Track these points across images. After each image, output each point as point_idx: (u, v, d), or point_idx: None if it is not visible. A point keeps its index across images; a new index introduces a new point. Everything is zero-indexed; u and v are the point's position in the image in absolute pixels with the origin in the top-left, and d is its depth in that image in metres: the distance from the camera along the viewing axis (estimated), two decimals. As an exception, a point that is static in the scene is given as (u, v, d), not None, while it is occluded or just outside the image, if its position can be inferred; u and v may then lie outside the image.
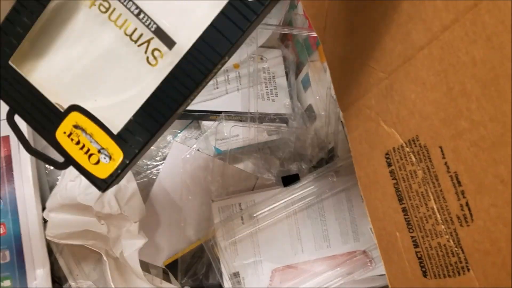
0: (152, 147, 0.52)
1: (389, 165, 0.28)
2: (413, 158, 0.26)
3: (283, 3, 0.56)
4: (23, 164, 0.43)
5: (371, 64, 0.29)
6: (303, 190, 0.44)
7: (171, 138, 0.53)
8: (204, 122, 0.52)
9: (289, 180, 0.44)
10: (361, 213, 0.44)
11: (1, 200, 0.43)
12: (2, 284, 0.42)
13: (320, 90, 0.50)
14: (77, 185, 0.41)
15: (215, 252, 0.43)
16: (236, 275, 0.43)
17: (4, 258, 0.42)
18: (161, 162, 0.51)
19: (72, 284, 0.46)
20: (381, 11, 0.27)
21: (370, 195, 0.30)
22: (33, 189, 0.43)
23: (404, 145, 0.26)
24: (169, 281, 0.46)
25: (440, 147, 0.24)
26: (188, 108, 0.50)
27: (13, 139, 0.44)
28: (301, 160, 0.50)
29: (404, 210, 0.28)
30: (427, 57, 0.24)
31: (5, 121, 0.43)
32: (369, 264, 0.43)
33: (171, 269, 0.45)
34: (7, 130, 0.44)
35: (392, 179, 0.28)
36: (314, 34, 0.51)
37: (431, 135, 0.24)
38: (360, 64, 0.30)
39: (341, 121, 0.46)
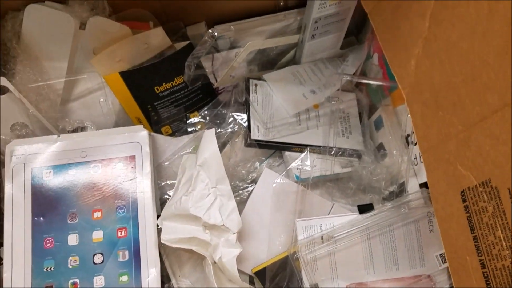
0: (242, 171, 0.61)
1: (464, 201, 0.35)
2: (485, 197, 0.33)
3: (361, 54, 0.64)
4: (145, 180, 0.53)
5: (451, 117, 0.36)
6: (377, 218, 0.50)
7: (258, 165, 0.62)
8: (286, 153, 0.61)
9: (364, 208, 0.51)
10: (428, 242, 0.50)
11: (125, 209, 0.52)
12: (120, 279, 0.51)
13: (392, 132, 0.57)
14: (190, 199, 0.50)
15: (298, 265, 0.51)
16: (315, 286, 0.50)
17: (124, 257, 0.51)
18: (250, 184, 0.59)
19: (174, 283, 0.55)
20: (462, 79, 0.34)
21: (445, 225, 0.37)
22: (151, 201, 0.52)
23: (478, 185, 0.33)
24: (254, 286, 0.53)
25: (509, 189, 0.30)
26: (274, 140, 0.59)
27: (138, 159, 0.54)
28: (372, 191, 0.57)
29: (474, 238, 0.34)
30: (500, 118, 0.31)
31: (133, 143, 0.53)
32: (433, 287, 0.48)
33: (258, 276, 0.52)
34: (134, 151, 0.54)
35: (466, 213, 0.35)
36: (387, 83, 0.59)
37: (501, 179, 0.31)
38: (441, 117, 0.37)
39: (412, 162, 0.53)
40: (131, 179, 0.53)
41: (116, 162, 0.54)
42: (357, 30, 0.68)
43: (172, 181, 0.58)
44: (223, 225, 0.49)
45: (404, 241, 0.51)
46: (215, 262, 0.50)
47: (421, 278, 0.49)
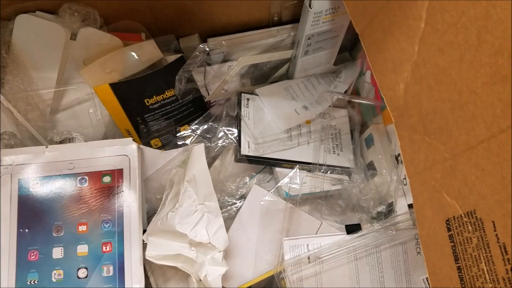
0: (232, 186, 0.60)
1: (449, 230, 0.34)
2: (470, 227, 0.32)
3: (354, 70, 0.64)
4: (131, 194, 0.52)
5: (438, 144, 0.35)
6: (364, 239, 0.50)
7: (248, 180, 0.61)
8: (277, 169, 0.60)
9: (352, 228, 0.51)
10: (415, 264, 0.50)
11: (110, 223, 0.52)
12: None
13: (382, 150, 0.57)
14: (176, 215, 0.49)
15: (284, 285, 0.50)
16: (300, 307, 0.49)
17: (108, 272, 0.51)
18: (239, 200, 0.59)
19: (158, 299, 0.54)
20: (449, 106, 0.34)
21: (430, 253, 0.36)
22: (137, 216, 0.52)
23: (463, 215, 0.33)
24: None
25: (493, 222, 0.30)
26: (264, 155, 0.59)
27: (126, 172, 0.53)
28: (361, 210, 0.56)
29: (458, 268, 0.34)
30: (486, 149, 0.31)
31: (122, 156, 0.53)
32: (419, 311, 0.48)
33: (243, 294, 0.52)
34: (122, 164, 0.53)
35: (451, 242, 0.34)
36: (378, 103, 0.59)
37: (486, 211, 0.31)
38: (428, 142, 0.37)
39: (401, 181, 0.53)
40: (117, 193, 0.53)
41: (103, 175, 0.53)
42: (351, 46, 0.68)
43: (159, 195, 0.57)
44: (209, 243, 0.49)
45: (391, 262, 0.50)
46: (200, 280, 0.50)
47: (407, 301, 0.49)
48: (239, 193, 0.60)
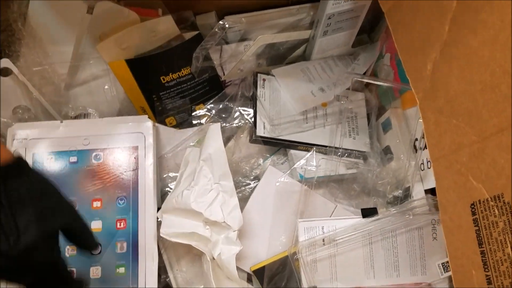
0: (246, 167, 0.60)
1: (473, 214, 0.34)
2: (496, 211, 0.32)
3: (373, 53, 0.63)
4: (147, 171, 0.52)
5: (466, 127, 0.35)
6: (380, 223, 0.49)
7: (262, 161, 0.61)
8: (291, 151, 0.60)
9: (368, 212, 0.50)
10: (431, 250, 0.49)
11: (125, 200, 0.52)
12: (117, 270, 0.50)
13: (400, 135, 0.56)
14: (192, 194, 0.49)
15: (298, 266, 0.50)
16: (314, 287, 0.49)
17: (122, 248, 0.51)
18: (253, 181, 0.58)
19: (171, 277, 0.54)
20: (480, 88, 0.33)
21: (452, 237, 0.36)
22: (152, 193, 0.51)
23: (489, 199, 0.32)
24: (252, 284, 0.53)
25: (523, 206, 0.29)
26: (280, 137, 0.58)
27: (141, 150, 0.53)
28: (376, 195, 0.56)
29: (482, 252, 0.33)
30: (519, 132, 0.30)
31: (137, 134, 0.52)
32: (433, 296, 0.48)
33: (256, 275, 0.52)
34: (137, 142, 0.53)
35: (475, 226, 0.34)
36: (398, 86, 0.58)
37: (515, 195, 0.30)
38: (455, 125, 0.36)
39: (419, 166, 0.52)
40: (133, 170, 0.52)
41: (118, 152, 0.53)
42: (370, 28, 0.67)
43: (174, 174, 0.57)
44: (224, 222, 0.49)
45: (407, 247, 0.50)
46: (213, 259, 0.50)
47: (421, 286, 0.49)
48: (253, 174, 0.60)
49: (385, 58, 0.61)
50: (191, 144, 0.58)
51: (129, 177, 0.52)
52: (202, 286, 0.54)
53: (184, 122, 0.63)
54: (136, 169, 0.52)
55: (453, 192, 0.36)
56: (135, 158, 0.53)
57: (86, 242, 0.41)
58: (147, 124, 0.53)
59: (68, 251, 0.50)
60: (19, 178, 0.35)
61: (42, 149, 0.52)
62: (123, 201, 0.51)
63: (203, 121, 0.61)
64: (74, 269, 0.50)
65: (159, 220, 0.51)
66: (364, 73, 0.62)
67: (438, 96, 0.37)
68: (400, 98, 0.58)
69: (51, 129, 0.53)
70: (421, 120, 0.51)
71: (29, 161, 0.52)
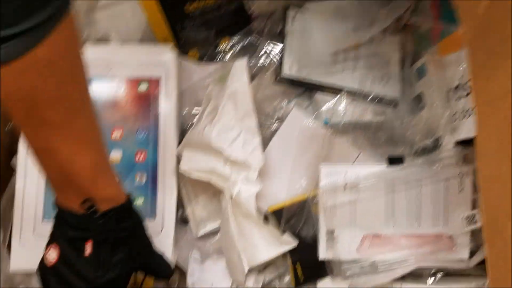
0: (268, 108, 0.58)
1: (516, 164, 0.32)
2: (542, 163, 0.30)
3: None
4: (169, 103, 0.51)
5: (517, 71, 0.32)
6: (406, 172, 0.48)
7: (285, 103, 0.58)
8: (317, 94, 0.57)
9: (394, 160, 0.48)
10: (455, 202, 0.48)
11: (146, 132, 0.50)
12: (135, 202, 0.50)
13: (436, 82, 0.53)
14: (214, 130, 0.48)
15: (316, 210, 0.49)
16: (332, 232, 0.49)
17: (141, 181, 0.50)
18: (275, 122, 0.57)
19: (189, 212, 0.54)
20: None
21: (489, 187, 0.34)
22: (174, 126, 0.50)
23: (536, 150, 0.30)
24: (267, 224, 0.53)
25: None
26: (307, 78, 0.56)
27: (164, 81, 0.51)
28: (403, 143, 0.53)
29: (520, 205, 0.32)
30: None
31: (160, 65, 0.50)
32: (453, 248, 0.47)
33: (274, 215, 0.51)
34: (160, 72, 0.51)
35: (516, 177, 0.32)
36: (438, 28, 0.54)
37: None
38: (504, 70, 0.33)
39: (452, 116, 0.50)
40: (154, 102, 0.51)
41: (141, 82, 0.51)
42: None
43: (195, 109, 0.55)
44: (245, 161, 0.48)
45: (431, 198, 0.48)
46: (231, 198, 0.49)
47: (442, 237, 0.48)
48: (276, 115, 0.58)
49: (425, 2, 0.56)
50: (214, 79, 0.56)
51: (150, 109, 0.51)
52: (219, 223, 0.54)
53: (207, 56, 0.60)
54: (158, 101, 0.51)
55: (495, 140, 0.34)
56: (157, 89, 0.51)
57: (162, 274, 0.44)
58: (170, 54, 0.51)
59: None
60: (129, 219, 0.37)
61: None
62: (143, 132, 0.50)
63: (227, 56, 0.58)
64: None
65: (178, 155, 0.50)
66: (401, 15, 0.58)
67: (491, 37, 0.34)
68: (439, 43, 0.54)
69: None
70: (463, 67, 0.48)
71: None
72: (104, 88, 0.51)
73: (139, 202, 0.50)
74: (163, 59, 0.51)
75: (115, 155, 0.50)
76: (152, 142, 0.50)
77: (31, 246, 0.47)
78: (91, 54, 0.50)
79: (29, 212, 0.48)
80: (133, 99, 0.51)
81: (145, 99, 0.51)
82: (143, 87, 0.51)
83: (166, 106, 0.50)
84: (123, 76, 0.51)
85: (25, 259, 0.46)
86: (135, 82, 0.51)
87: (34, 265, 0.38)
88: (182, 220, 0.57)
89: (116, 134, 0.50)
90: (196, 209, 0.55)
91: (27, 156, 0.49)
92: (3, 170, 0.54)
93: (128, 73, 0.51)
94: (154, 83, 0.51)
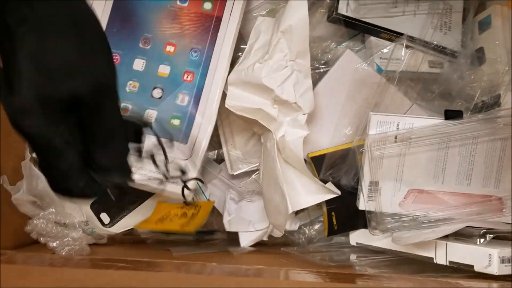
0: (317, 49, 0.54)
1: None
2: None
3: None
4: (228, 30, 0.48)
5: None
6: (463, 127, 0.45)
7: (335, 46, 0.55)
8: (372, 38, 0.54)
9: (452, 114, 0.46)
10: (509, 164, 0.46)
11: (199, 53, 0.48)
12: (172, 121, 0.48)
13: (501, 36, 0.49)
14: (264, 68, 0.45)
15: (361, 159, 0.48)
16: (376, 183, 0.47)
17: (183, 101, 0.48)
18: (323, 66, 0.54)
19: (224, 150, 0.53)
20: None
21: None
22: (228, 55, 0.48)
23: None
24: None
25: None
26: (363, 19, 0.52)
27: (229, 4, 0.48)
28: (460, 98, 0.51)
29: None
30: None
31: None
32: (502, 211, 0.46)
33: (314, 162, 0.50)
34: None
35: None
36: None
37: None
38: None
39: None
40: (214, 25, 0.48)
41: (205, 1, 0.48)
42: None
43: (240, 44, 0.52)
44: (295, 103, 0.45)
45: (485, 157, 0.46)
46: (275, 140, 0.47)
47: (491, 198, 0.46)
48: (324, 58, 0.55)
49: None
50: (262, 13, 0.53)
51: (209, 31, 0.48)
52: (255, 164, 0.53)
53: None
54: (218, 23, 0.48)
55: None
56: (221, 11, 0.48)
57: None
58: None
59: (129, 86, 0.48)
60: None
61: None
62: (196, 53, 0.48)
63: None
64: (129, 106, 0.48)
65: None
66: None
67: None
68: (510, -6, 0.50)
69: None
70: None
71: None
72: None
73: (175, 122, 0.48)
74: None
75: (164, 69, 0.48)
76: (203, 66, 0.48)
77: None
78: None
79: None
80: (194, 16, 0.48)
81: (206, 18, 0.48)
82: (207, 6, 0.48)
83: (225, 32, 0.48)
84: None
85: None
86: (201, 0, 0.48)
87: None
88: (217, 159, 0.56)
89: (170, 48, 0.48)
90: (232, 149, 0.53)
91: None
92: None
93: None
94: (220, 4, 0.48)
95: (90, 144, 0.27)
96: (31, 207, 0.43)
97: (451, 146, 0.46)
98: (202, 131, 0.48)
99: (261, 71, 0.45)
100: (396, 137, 0.47)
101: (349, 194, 0.49)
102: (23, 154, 0.48)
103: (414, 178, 0.47)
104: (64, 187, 0.27)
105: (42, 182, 0.43)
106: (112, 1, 0.48)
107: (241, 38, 0.52)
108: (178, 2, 0.48)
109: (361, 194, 0.48)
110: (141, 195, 0.50)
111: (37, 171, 0.44)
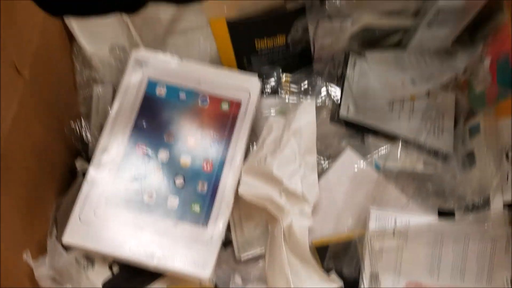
0: (320, 145, 0.60)
1: None
2: None
3: (472, 54, 0.61)
4: (244, 124, 0.55)
5: None
6: (455, 226, 0.49)
7: (337, 142, 0.61)
8: (370, 138, 0.59)
9: (445, 214, 0.50)
10: (501, 262, 0.49)
11: (217, 145, 0.53)
12: (193, 207, 0.52)
13: (489, 143, 0.55)
14: (276, 161, 0.50)
15: (362, 251, 0.51)
16: (376, 276, 0.50)
17: (202, 189, 0.52)
18: (326, 160, 0.58)
19: (233, 234, 0.56)
20: None
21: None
22: (243, 146, 0.54)
23: None
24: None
25: None
26: (363, 122, 0.58)
27: (244, 105, 0.55)
28: (451, 198, 0.55)
29: None
30: None
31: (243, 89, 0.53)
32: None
33: (318, 250, 0.53)
34: (242, 96, 0.56)
35: None
36: (494, 93, 0.56)
37: None
38: None
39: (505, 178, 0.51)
40: (232, 121, 0.54)
41: (223, 101, 0.55)
42: (472, 27, 0.64)
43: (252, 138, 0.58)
44: (302, 194, 0.50)
45: (477, 256, 0.49)
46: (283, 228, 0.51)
47: (484, 294, 0.49)
48: (327, 153, 0.60)
49: (485, 62, 0.59)
50: (273, 113, 0.59)
51: (226, 127, 0.54)
52: (262, 250, 0.55)
53: (269, 89, 0.63)
54: (234, 121, 0.54)
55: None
56: (237, 109, 0.55)
57: None
58: (256, 82, 0.56)
59: (154, 176, 0.52)
60: None
61: (158, 76, 0.56)
62: (215, 146, 0.54)
63: (287, 92, 0.61)
64: (154, 193, 0.52)
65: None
66: (459, 73, 0.61)
67: None
68: (496, 106, 0.56)
69: (170, 62, 0.56)
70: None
71: (144, 84, 0.55)
72: (191, 99, 0.55)
73: (196, 208, 0.52)
74: (248, 85, 0.56)
75: (186, 159, 0.53)
76: (221, 157, 0.53)
77: (89, 224, 0.50)
78: (187, 67, 0.56)
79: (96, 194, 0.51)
80: (214, 115, 0.55)
81: (224, 117, 0.54)
82: (225, 106, 0.55)
83: (241, 127, 0.54)
84: (209, 93, 0.55)
85: (80, 235, 0.49)
86: (219, 100, 0.55)
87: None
88: (225, 243, 0.59)
89: (191, 141, 0.54)
90: (241, 234, 0.56)
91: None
92: (66, 171, 0.57)
93: (215, 90, 0.55)
94: (236, 105, 0.55)
95: None
96: (51, 283, 0.45)
97: (445, 243, 0.50)
98: (220, 216, 0.52)
99: (273, 164, 0.50)
100: (394, 232, 0.50)
101: (352, 285, 0.52)
102: (46, 229, 0.51)
103: (412, 271, 0.50)
104: None
105: (63, 258, 0.46)
106: (141, 99, 0.54)
107: (253, 133, 0.58)
108: (199, 103, 0.55)
109: (362, 286, 0.50)
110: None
111: (60, 248, 0.47)
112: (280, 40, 0.60)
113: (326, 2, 0.56)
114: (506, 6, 0.44)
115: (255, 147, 0.56)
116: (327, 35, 0.62)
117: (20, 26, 0.47)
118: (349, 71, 0.60)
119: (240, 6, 0.57)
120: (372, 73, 0.61)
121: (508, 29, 0.52)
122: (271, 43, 0.60)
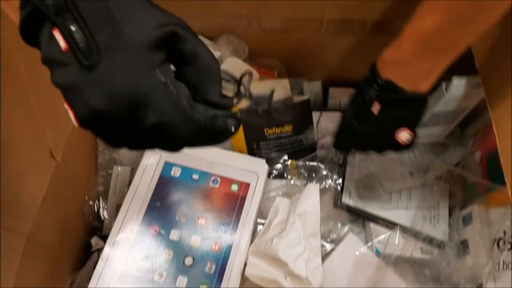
0: (323, 229, 0.63)
1: None
2: None
3: (464, 147, 0.66)
4: (252, 207, 0.58)
5: None
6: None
7: (340, 226, 0.64)
8: (371, 224, 0.63)
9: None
10: None
11: (226, 226, 0.57)
12: (201, 286, 0.54)
13: (481, 231, 0.58)
14: (281, 243, 0.53)
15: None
16: None
17: (210, 269, 0.55)
18: (329, 244, 0.62)
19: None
20: None
21: None
22: (250, 229, 0.57)
23: None
24: None
25: None
26: (364, 208, 0.61)
27: (252, 188, 0.59)
28: (448, 283, 0.57)
29: None
30: None
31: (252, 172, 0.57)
32: None
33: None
34: (250, 179, 0.60)
35: None
36: (485, 184, 0.60)
37: None
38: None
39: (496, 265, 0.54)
40: (240, 203, 0.58)
41: (232, 183, 0.59)
42: (464, 123, 0.70)
43: (259, 220, 0.61)
44: (307, 278, 0.52)
45: None
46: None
47: None
48: (330, 236, 0.63)
49: (476, 155, 0.64)
50: (279, 193, 0.63)
51: (234, 208, 0.58)
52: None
53: (275, 172, 0.68)
54: (243, 203, 0.58)
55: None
56: (245, 191, 0.59)
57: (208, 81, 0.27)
58: (264, 166, 0.61)
59: (165, 254, 0.55)
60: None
61: (173, 160, 0.60)
62: (224, 226, 0.57)
63: (293, 175, 0.65)
64: (164, 273, 0.54)
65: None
66: (454, 166, 0.65)
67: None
68: (486, 196, 0.60)
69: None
70: (507, 223, 0.53)
71: (160, 167, 0.60)
72: (202, 181, 0.59)
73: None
74: (257, 169, 0.60)
75: (196, 240, 0.56)
76: (229, 238, 0.56)
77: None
78: (199, 151, 0.60)
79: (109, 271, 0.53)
80: (223, 195, 0.59)
81: (233, 197, 0.58)
82: (234, 188, 0.59)
83: (249, 210, 0.58)
84: (220, 174, 0.60)
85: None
86: (229, 182, 0.59)
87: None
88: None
89: (201, 221, 0.57)
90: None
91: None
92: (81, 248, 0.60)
93: (225, 173, 0.60)
94: (245, 186, 0.59)
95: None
96: None
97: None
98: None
99: (278, 246, 0.53)
100: (394, 318, 0.52)
101: None
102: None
103: None
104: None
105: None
106: (156, 181, 0.59)
107: (260, 213, 0.62)
108: (210, 184, 0.59)
109: None
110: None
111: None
112: (287, 128, 0.65)
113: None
114: (490, 107, 0.49)
115: (261, 226, 0.60)
116: (328, 124, 0.68)
117: (58, 113, 0.52)
118: (350, 159, 0.65)
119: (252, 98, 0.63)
120: (372, 164, 0.65)
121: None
122: (279, 131, 0.66)
